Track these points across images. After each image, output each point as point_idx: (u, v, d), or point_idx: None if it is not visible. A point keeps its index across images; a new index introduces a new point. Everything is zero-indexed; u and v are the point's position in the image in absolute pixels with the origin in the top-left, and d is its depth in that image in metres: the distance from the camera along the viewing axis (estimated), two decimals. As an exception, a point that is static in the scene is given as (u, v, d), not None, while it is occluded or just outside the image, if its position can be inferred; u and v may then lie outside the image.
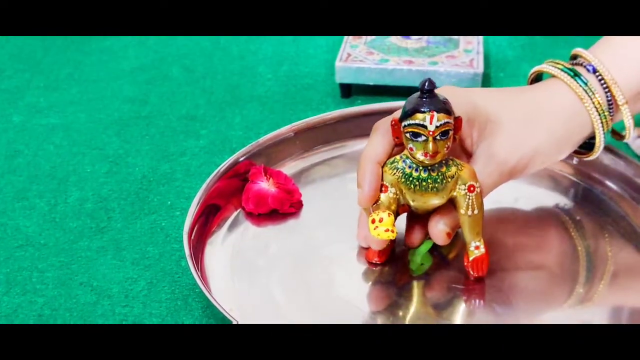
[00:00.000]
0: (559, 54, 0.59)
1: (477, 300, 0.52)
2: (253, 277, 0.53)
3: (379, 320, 0.50)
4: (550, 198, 0.59)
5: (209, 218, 0.57)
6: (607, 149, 0.59)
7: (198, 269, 0.52)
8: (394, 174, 0.50)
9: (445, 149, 0.49)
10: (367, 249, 0.54)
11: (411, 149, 0.49)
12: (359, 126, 0.63)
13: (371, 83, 0.69)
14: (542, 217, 0.58)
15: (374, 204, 0.50)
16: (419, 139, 0.49)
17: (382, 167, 0.51)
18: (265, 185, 0.58)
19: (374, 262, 0.54)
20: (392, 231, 0.50)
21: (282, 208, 0.58)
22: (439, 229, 0.51)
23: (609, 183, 0.60)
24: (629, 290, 0.52)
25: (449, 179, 0.50)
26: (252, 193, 0.58)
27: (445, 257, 0.54)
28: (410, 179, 0.50)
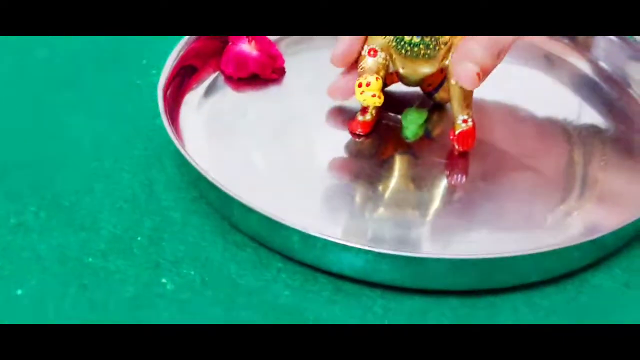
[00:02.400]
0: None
1: (460, 176, 0.51)
2: (231, 140, 0.51)
3: (358, 192, 0.49)
4: (542, 78, 0.57)
5: (185, 79, 0.54)
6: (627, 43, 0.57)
7: (173, 128, 0.50)
8: (385, 36, 0.48)
9: (441, 12, 0.47)
10: (352, 119, 0.52)
11: (405, 10, 0.47)
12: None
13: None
14: (533, 97, 0.55)
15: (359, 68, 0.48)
16: None
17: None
18: (247, 47, 0.55)
19: (357, 132, 0.52)
20: (379, 97, 0.48)
21: (264, 73, 0.55)
22: (467, 69, 0.45)
23: (602, 64, 0.57)
24: (614, 208, 0.49)
25: (442, 46, 0.48)
26: (232, 55, 0.55)
27: (430, 133, 0.53)
28: (402, 43, 0.48)
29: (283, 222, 0.44)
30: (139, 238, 0.45)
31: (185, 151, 0.47)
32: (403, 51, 0.48)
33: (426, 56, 0.48)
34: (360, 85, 0.48)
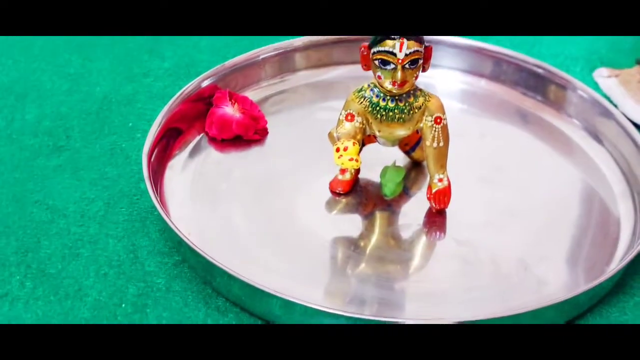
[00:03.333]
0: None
1: (438, 233, 0.52)
2: (214, 203, 0.52)
3: (339, 250, 0.50)
4: (516, 134, 0.59)
5: (170, 142, 0.56)
6: (576, 87, 0.59)
7: (157, 192, 0.51)
8: (361, 102, 0.50)
9: (413, 78, 0.48)
10: (332, 178, 0.53)
11: (379, 77, 0.48)
12: (329, 54, 0.62)
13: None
14: (508, 153, 0.57)
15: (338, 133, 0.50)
16: (388, 67, 0.48)
17: (350, 95, 0.50)
18: (230, 110, 0.56)
19: (337, 191, 0.53)
20: (357, 160, 0.49)
21: (247, 134, 0.56)
22: None
23: (575, 121, 0.59)
24: (588, 266, 0.50)
25: (416, 110, 0.49)
26: (216, 117, 0.56)
27: (409, 190, 0.54)
28: (377, 108, 0.49)
29: (263, 288, 0.44)
30: (123, 305, 0.46)
31: (168, 217, 0.48)
32: (378, 116, 0.49)
33: (401, 120, 0.49)
34: (338, 150, 0.49)
